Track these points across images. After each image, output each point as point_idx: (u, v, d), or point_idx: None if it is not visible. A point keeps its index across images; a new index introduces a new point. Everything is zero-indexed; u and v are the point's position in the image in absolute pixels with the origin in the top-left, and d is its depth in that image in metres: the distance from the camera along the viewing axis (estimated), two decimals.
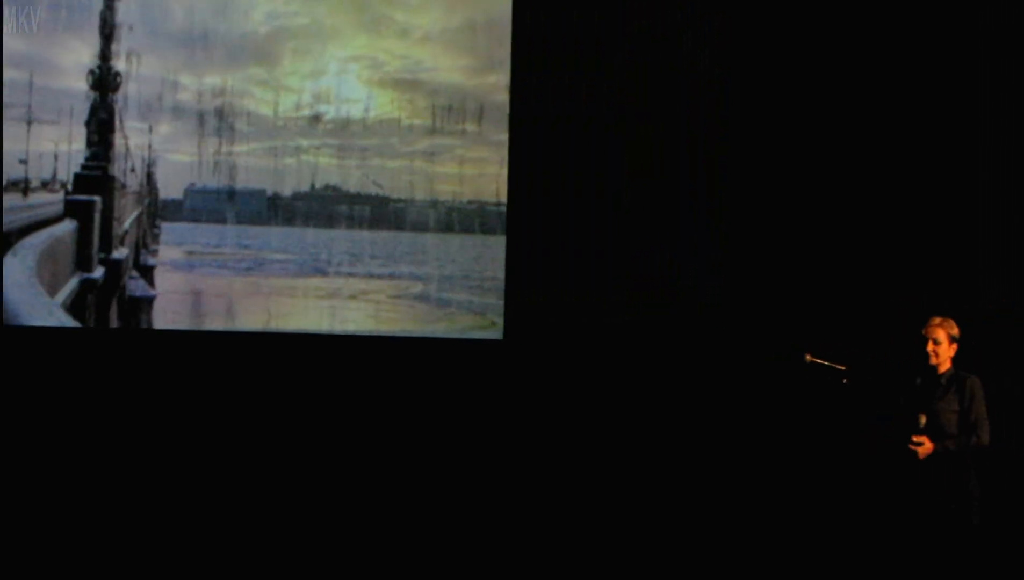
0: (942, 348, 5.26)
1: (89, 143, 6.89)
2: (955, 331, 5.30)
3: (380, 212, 7.19)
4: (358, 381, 6.89)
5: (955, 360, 5.32)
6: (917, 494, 5.23)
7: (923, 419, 5.21)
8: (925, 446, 5.15)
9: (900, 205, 6.82)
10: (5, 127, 6.71)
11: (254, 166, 7.09)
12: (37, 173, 6.81)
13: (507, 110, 7.08)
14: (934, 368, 5.30)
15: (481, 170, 7.19)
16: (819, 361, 5.58)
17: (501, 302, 7.11)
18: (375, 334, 7.14)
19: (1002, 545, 5.82)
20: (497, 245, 7.14)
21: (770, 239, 6.98)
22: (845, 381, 5.54)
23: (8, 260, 6.73)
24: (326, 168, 7.15)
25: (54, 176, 6.85)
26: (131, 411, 6.71)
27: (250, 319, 7.09)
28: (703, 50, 7.04)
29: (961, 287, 6.54)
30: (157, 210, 7.06)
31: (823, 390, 5.83)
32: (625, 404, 6.88)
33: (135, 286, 7.04)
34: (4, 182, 6.75)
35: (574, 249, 7.01)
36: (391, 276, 7.22)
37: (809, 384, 5.93)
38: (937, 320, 5.29)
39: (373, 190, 7.17)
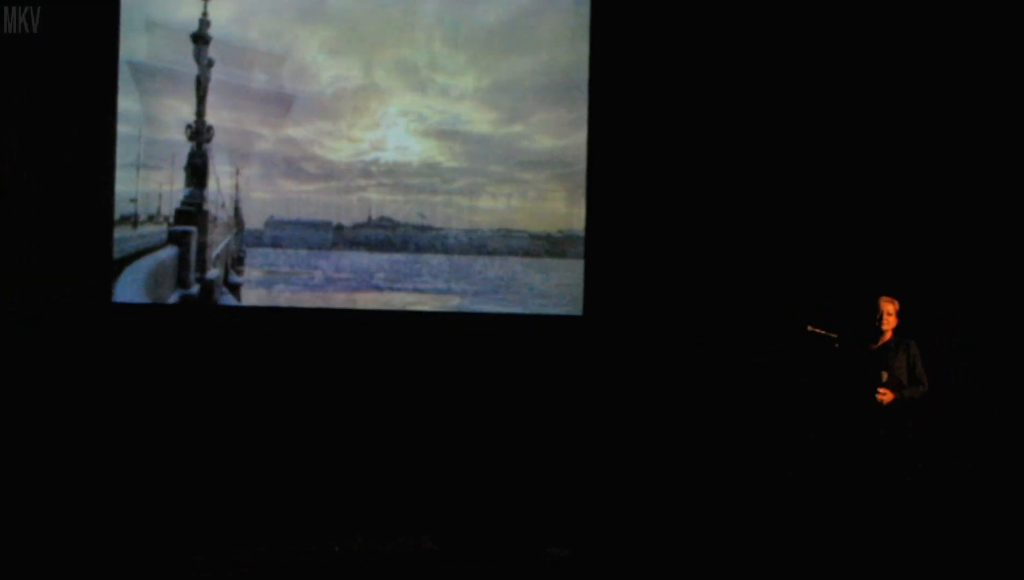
0: (892, 319, 6.22)
1: (187, 184, 7.65)
2: (898, 306, 6.26)
3: (424, 239, 8.11)
4: (447, 352, 7.67)
5: (895, 331, 6.26)
6: (874, 437, 6.06)
7: (885, 375, 6.15)
8: (888, 396, 6.12)
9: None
10: (120, 171, 7.48)
11: (322, 202, 7.91)
12: (145, 209, 7.57)
13: (529, 154, 8.13)
14: (882, 335, 6.23)
15: (508, 204, 8.17)
16: (817, 330, 6.34)
17: (523, 311, 8.05)
18: (462, 310, 7.99)
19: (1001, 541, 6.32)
20: (519, 265, 8.12)
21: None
22: (837, 346, 6.30)
23: (122, 279, 7.50)
24: (380, 203, 8.02)
25: (159, 211, 7.62)
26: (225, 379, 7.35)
27: None
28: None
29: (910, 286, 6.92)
30: (243, 238, 7.82)
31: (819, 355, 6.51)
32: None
33: (225, 300, 7.79)
34: (117, 217, 7.52)
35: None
36: (434, 291, 8.13)
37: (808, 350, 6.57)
38: (886, 298, 6.25)
39: (419, 221, 8.07)
